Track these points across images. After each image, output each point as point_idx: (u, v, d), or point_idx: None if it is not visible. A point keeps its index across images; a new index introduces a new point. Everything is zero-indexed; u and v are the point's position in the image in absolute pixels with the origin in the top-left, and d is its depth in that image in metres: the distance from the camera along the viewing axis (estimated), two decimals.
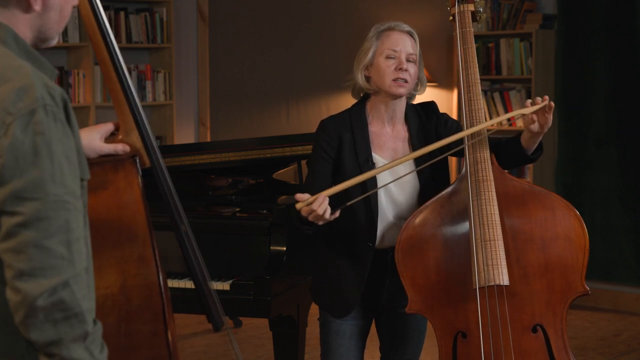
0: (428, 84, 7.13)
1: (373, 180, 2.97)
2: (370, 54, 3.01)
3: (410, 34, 3.02)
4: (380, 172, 2.87)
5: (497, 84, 6.80)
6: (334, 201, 2.83)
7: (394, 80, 2.96)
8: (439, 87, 7.12)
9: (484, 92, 6.71)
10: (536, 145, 2.94)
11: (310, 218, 2.78)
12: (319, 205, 2.74)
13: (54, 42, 1.84)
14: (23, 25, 1.76)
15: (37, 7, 1.75)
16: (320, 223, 2.80)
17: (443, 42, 7.13)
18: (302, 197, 2.78)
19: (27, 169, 1.60)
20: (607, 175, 6.31)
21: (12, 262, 1.59)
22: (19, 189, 1.60)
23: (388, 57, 2.98)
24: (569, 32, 6.44)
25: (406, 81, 2.97)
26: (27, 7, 1.75)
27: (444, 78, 7.16)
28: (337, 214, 2.80)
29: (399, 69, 2.96)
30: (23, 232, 1.59)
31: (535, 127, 2.87)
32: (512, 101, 6.62)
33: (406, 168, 3.04)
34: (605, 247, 6.33)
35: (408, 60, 2.98)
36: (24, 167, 1.60)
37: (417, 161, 3.03)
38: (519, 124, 6.59)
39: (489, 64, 6.71)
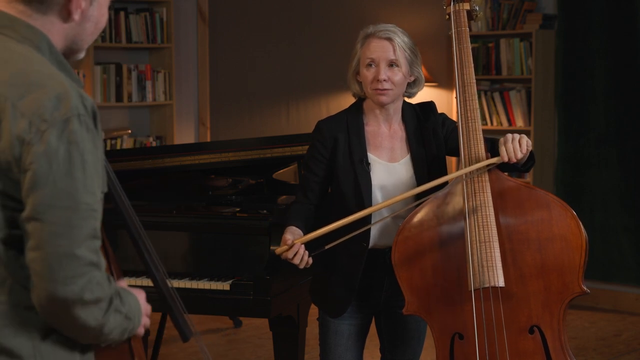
0: (428, 84, 7.14)
1: (368, 188, 2.97)
2: (355, 61, 3.03)
3: (389, 39, 2.98)
4: (372, 212, 2.89)
5: (497, 84, 6.80)
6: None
7: (374, 89, 2.97)
8: (439, 87, 7.11)
9: (484, 92, 6.71)
10: (525, 159, 2.92)
11: (289, 261, 2.85)
12: (293, 254, 2.82)
13: (82, 55, 1.85)
14: (58, 34, 1.76)
15: (77, 16, 1.75)
16: (301, 267, 2.86)
17: (443, 42, 7.13)
18: (283, 239, 2.87)
19: (61, 177, 1.62)
20: (607, 175, 6.31)
21: (43, 270, 1.62)
22: (51, 196, 1.62)
23: (368, 66, 2.98)
24: (569, 32, 6.44)
25: (386, 89, 2.96)
26: (66, 17, 1.75)
27: (444, 78, 7.15)
28: (311, 261, 2.87)
29: (377, 79, 2.96)
30: (55, 241, 1.62)
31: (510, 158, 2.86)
32: (512, 101, 6.61)
33: (404, 168, 3.04)
34: (605, 247, 6.33)
35: (391, 65, 2.97)
36: (57, 175, 1.62)
37: (415, 165, 3.03)
38: (519, 123, 6.59)
39: (489, 64, 6.71)
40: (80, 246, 1.63)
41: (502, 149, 2.84)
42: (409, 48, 3.00)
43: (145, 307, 1.82)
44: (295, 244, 2.83)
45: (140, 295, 1.82)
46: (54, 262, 1.62)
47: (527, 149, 2.84)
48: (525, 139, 2.86)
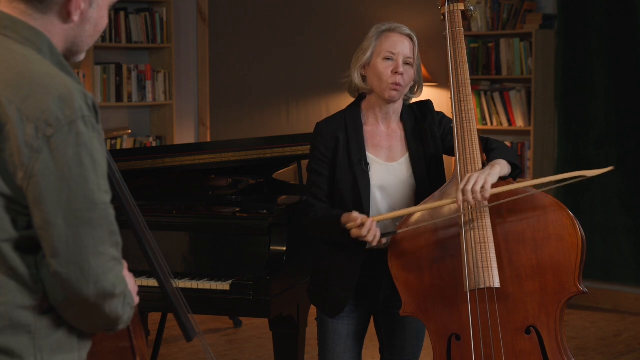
0: (428, 83, 7.13)
1: (367, 188, 2.97)
2: (368, 54, 3.01)
3: (409, 37, 3.01)
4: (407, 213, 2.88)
5: (497, 84, 6.80)
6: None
7: (392, 83, 2.96)
8: (439, 87, 7.12)
9: (484, 92, 6.71)
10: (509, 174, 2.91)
11: (356, 237, 2.83)
12: (367, 231, 2.80)
13: (82, 57, 1.85)
14: (58, 35, 1.76)
15: (76, 18, 1.76)
16: (374, 244, 2.83)
17: (443, 42, 7.11)
18: (351, 217, 2.83)
19: (74, 181, 1.63)
20: (607, 175, 6.29)
21: (70, 273, 1.64)
22: (68, 201, 1.63)
23: (385, 59, 2.97)
24: (569, 32, 6.44)
25: (401, 85, 2.97)
26: (66, 17, 1.75)
27: (444, 78, 7.15)
28: (384, 240, 2.85)
29: (395, 72, 2.96)
30: (80, 243, 1.64)
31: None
32: (512, 101, 6.61)
33: (403, 168, 3.04)
34: (605, 247, 6.33)
35: (405, 64, 2.98)
36: (71, 179, 1.63)
37: (414, 164, 3.03)
38: (519, 123, 6.59)
39: (489, 64, 6.71)
40: (104, 243, 1.66)
41: (459, 195, 2.79)
42: (417, 51, 3.03)
43: (134, 288, 1.84)
44: (366, 221, 2.81)
45: (130, 280, 1.84)
46: (83, 262, 1.64)
47: (490, 186, 2.79)
48: (490, 177, 2.80)
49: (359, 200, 2.96)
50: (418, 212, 2.92)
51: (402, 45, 2.98)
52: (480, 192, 2.77)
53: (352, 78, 3.05)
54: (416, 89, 3.08)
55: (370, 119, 3.07)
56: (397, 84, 2.95)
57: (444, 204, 2.87)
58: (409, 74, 2.98)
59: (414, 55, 2.99)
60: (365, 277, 3.04)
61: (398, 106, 3.07)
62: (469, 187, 2.77)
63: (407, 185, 3.02)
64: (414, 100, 3.13)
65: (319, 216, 2.99)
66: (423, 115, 3.09)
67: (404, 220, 2.93)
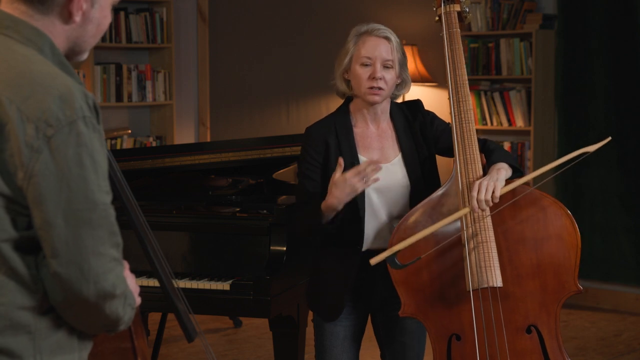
0: (428, 83, 7.12)
1: (361, 191, 2.96)
2: (347, 59, 3.01)
3: (387, 38, 2.98)
4: (463, 214, 2.85)
5: (497, 84, 6.80)
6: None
7: (369, 88, 2.95)
8: (439, 87, 7.11)
9: (484, 92, 6.71)
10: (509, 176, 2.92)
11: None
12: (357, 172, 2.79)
13: (85, 56, 1.85)
14: (60, 35, 1.76)
15: (78, 18, 1.76)
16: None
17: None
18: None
19: (74, 181, 1.63)
20: (607, 175, 6.31)
21: (70, 273, 1.64)
22: (68, 201, 1.63)
23: (363, 65, 2.96)
24: (569, 32, 6.44)
25: (381, 88, 2.95)
26: (67, 18, 1.75)
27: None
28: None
29: (373, 77, 2.94)
30: (80, 244, 1.63)
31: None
32: (512, 101, 6.61)
33: (396, 168, 3.02)
34: (605, 247, 6.33)
35: (385, 67, 2.96)
36: (71, 179, 1.63)
37: (407, 163, 3.02)
38: (519, 123, 6.59)
39: (489, 64, 6.71)
40: (104, 244, 1.66)
41: (474, 203, 2.80)
42: (401, 49, 3.01)
43: (135, 289, 1.84)
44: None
45: (132, 281, 1.84)
46: (83, 263, 1.64)
47: (499, 191, 2.82)
48: (499, 182, 2.83)
49: (354, 204, 2.93)
50: (416, 214, 2.91)
51: (379, 49, 2.96)
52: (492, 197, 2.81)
53: (336, 83, 3.05)
54: (403, 87, 3.06)
55: (359, 121, 3.06)
56: (377, 88, 2.94)
57: (458, 217, 2.84)
58: (389, 76, 2.96)
59: (393, 56, 2.97)
60: (360, 279, 3.02)
61: (385, 105, 3.06)
62: (482, 197, 2.80)
63: (402, 185, 3.01)
64: (404, 98, 3.12)
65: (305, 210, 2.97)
66: (414, 115, 3.08)
67: (403, 219, 2.91)
